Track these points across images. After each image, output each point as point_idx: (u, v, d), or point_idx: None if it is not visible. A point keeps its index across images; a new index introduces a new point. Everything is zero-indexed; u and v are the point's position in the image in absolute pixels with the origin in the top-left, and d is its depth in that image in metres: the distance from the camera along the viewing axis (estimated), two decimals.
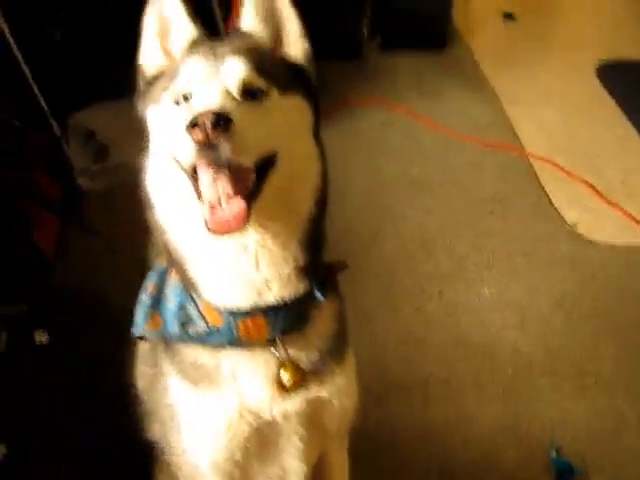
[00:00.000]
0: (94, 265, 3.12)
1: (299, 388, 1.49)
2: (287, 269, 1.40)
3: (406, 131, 4.13)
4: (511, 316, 3.09)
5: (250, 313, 1.40)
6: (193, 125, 1.18)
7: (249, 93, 1.33)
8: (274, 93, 1.37)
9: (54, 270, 3.02)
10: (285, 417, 1.51)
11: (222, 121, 1.18)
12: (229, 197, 1.25)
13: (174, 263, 1.46)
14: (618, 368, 2.90)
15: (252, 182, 1.29)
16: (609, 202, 3.72)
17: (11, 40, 2.81)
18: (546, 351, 2.95)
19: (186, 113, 1.25)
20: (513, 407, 2.75)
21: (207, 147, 1.19)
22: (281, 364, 1.46)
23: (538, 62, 4.92)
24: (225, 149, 1.19)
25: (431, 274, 3.26)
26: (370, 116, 4.12)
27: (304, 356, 1.49)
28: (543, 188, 3.79)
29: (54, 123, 3.07)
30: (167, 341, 1.52)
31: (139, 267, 3.00)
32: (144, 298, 1.52)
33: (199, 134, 1.18)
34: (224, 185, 1.25)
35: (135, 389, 1.83)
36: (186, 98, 1.34)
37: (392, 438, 2.59)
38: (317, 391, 1.53)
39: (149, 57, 1.53)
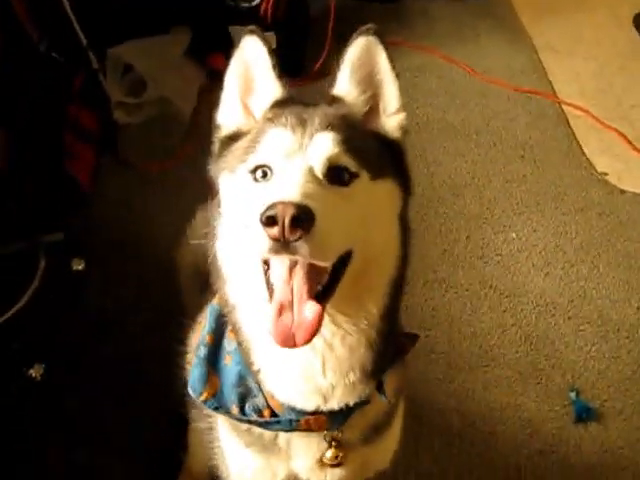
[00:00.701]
0: (129, 196, 3.19)
1: (338, 466, 1.45)
2: (353, 376, 1.31)
3: (441, 75, 4.10)
4: (537, 261, 3.13)
5: (313, 413, 1.34)
6: (269, 219, 1.05)
7: (337, 174, 1.21)
8: (364, 176, 1.24)
9: (90, 200, 3.09)
10: None
11: (303, 218, 1.05)
12: (301, 301, 1.14)
13: (238, 344, 1.38)
14: None
15: (326, 280, 1.17)
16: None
17: None
18: (570, 296, 3.00)
19: (263, 195, 1.14)
20: (535, 350, 2.81)
21: (283, 244, 1.06)
22: (329, 445, 1.42)
23: (576, 10, 4.82)
24: (303, 250, 1.06)
25: (460, 218, 3.29)
26: (406, 59, 4.08)
27: (357, 432, 1.46)
28: (575, 136, 3.77)
29: (92, 56, 3.10)
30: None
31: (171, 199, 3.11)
32: (201, 349, 1.46)
33: (275, 231, 1.04)
34: (299, 287, 1.14)
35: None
36: (265, 173, 1.23)
37: (414, 377, 2.64)
38: (362, 456, 1.51)
39: (228, 114, 1.42)
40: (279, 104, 1.35)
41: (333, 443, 1.42)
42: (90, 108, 3.17)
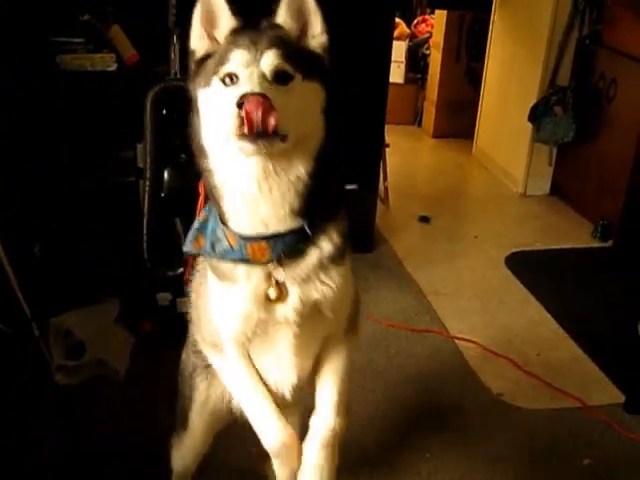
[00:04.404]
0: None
1: (281, 303, 1.87)
2: (283, 212, 1.78)
3: None
4: (452, 477, 3.42)
5: (255, 239, 1.80)
6: (240, 103, 1.57)
7: (280, 76, 1.69)
8: (298, 77, 1.72)
9: None
10: (281, 317, 1.90)
11: (264, 102, 1.56)
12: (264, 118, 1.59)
13: (214, 201, 1.87)
14: None
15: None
16: (528, 373, 4.16)
17: (4, 258, 3.20)
18: None
19: (233, 93, 1.62)
20: None
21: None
22: (270, 283, 1.86)
23: (453, 257, 5.53)
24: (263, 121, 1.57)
25: (377, 444, 3.59)
26: None
27: (301, 271, 1.87)
28: (469, 365, 4.23)
29: (34, 326, 3.43)
30: (207, 257, 1.96)
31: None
32: (195, 223, 1.97)
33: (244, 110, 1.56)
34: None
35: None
36: (232, 79, 1.70)
37: None
38: (311, 295, 1.89)
39: (198, 42, 1.88)
40: (236, 31, 1.83)
41: (274, 280, 1.87)
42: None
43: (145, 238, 3.75)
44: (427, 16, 9.22)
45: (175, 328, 4.06)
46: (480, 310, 4.88)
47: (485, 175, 7.56)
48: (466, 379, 4.13)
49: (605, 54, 6.16)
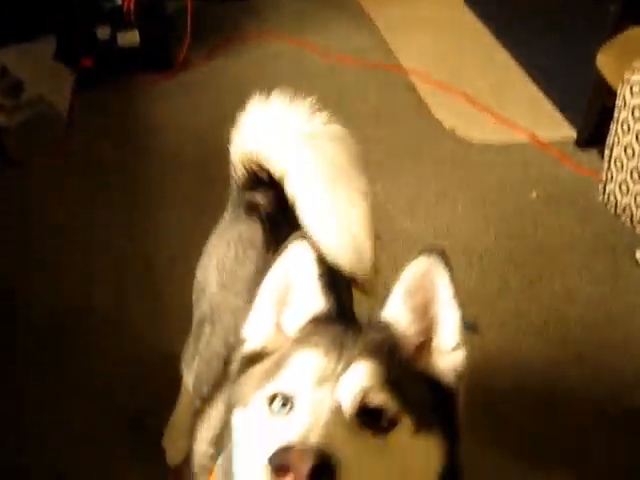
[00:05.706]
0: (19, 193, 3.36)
1: None
2: None
3: (295, 59, 4.41)
4: (402, 205, 3.43)
5: None
6: (281, 468, 0.88)
7: (372, 417, 0.99)
8: (406, 425, 1.01)
9: None
10: None
11: (322, 472, 0.87)
12: None
13: None
14: (499, 244, 3.28)
15: None
16: (481, 107, 4.10)
17: None
18: (435, 231, 3.32)
19: (279, 432, 0.96)
20: None
21: None
22: None
23: None
24: None
25: None
26: (261, 48, 4.38)
27: None
28: (422, 99, 4.15)
29: None
30: None
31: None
32: None
33: None
34: None
35: None
36: (285, 404, 1.02)
37: None
38: None
39: (257, 327, 1.21)
40: (317, 322, 1.15)
41: None
42: None
43: None
44: None
45: (115, 64, 3.98)
46: (435, 46, 4.72)
47: None
48: (419, 114, 4.07)
49: None
